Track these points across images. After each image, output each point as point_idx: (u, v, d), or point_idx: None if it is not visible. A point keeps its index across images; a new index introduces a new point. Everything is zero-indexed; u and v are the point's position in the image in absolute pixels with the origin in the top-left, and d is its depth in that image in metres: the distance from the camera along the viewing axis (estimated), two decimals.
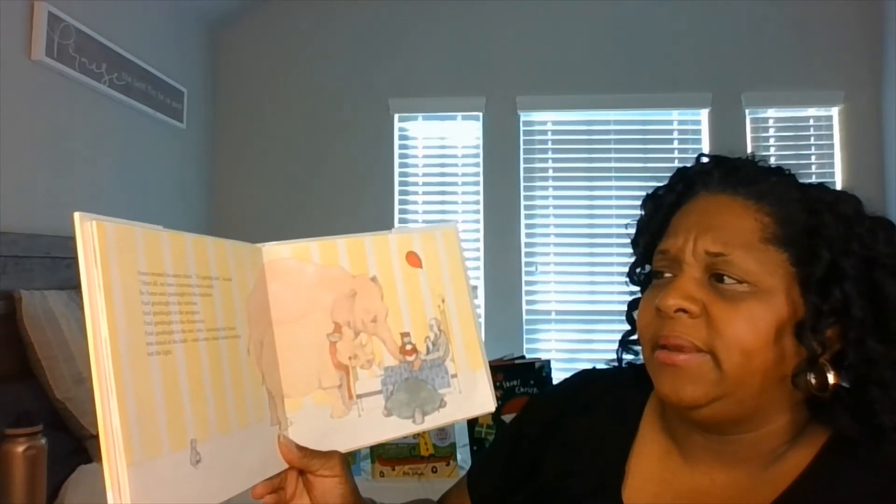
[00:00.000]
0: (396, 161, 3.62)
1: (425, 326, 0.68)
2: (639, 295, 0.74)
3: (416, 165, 3.68)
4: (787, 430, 0.63)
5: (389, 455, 1.94)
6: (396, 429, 0.67)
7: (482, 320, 3.47)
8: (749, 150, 3.38)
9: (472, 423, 2.02)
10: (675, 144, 3.63)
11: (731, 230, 0.62)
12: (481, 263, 3.54)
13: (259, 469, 0.59)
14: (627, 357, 0.76)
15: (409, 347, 0.67)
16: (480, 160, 3.59)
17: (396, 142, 3.62)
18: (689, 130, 3.60)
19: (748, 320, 0.59)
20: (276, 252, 0.65)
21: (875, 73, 3.40)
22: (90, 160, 2.61)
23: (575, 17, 3.56)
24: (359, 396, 0.66)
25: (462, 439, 2.05)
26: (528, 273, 3.57)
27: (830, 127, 3.49)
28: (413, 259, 0.69)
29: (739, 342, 0.59)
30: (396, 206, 3.60)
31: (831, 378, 0.59)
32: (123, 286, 0.48)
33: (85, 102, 2.56)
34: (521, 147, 3.60)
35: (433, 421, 0.68)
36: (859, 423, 0.59)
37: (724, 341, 0.59)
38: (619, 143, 3.60)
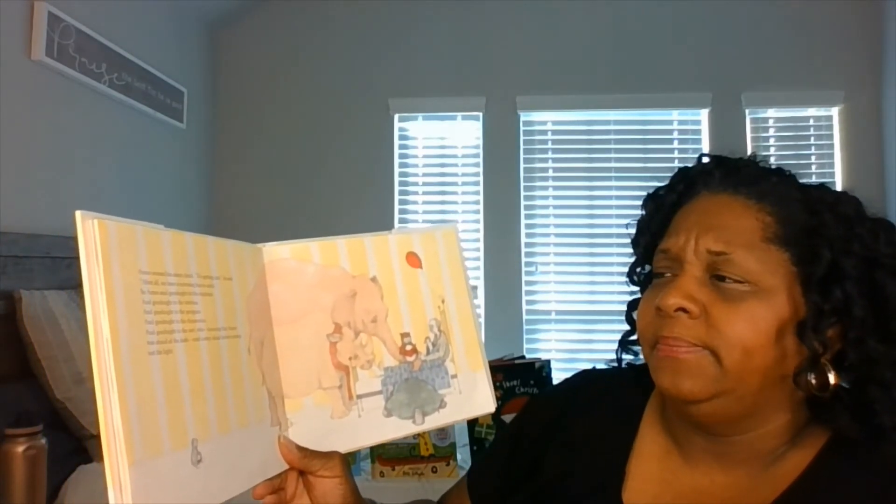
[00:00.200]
0: (396, 161, 3.62)
1: (425, 327, 0.68)
2: (639, 295, 0.74)
3: (416, 165, 3.68)
4: (787, 431, 0.63)
5: (389, 455, 1.94)
6: (396, 429, 0.66)
7: (482, 320, 3.47)
8: (749, 150, 3.39)
9: (472, 423, 2.02)
10: (675, 144, 3.63)
11: (732, 229, 0.63)
12: (481, 263, 3.54)
13: (259, 469, 0.59)
14: (627, 357, 0.76)
15: (409, 348, 0.67)
16: (480, 160, 3.59)
17: (396, 142, 3.62)
18: (689, 130, 3.60)
19: (749, 320, 0.59)
20: (277, 252, 0.65)
21: (875, 73, 3.40)
22: (90, 160, 2.61)
23: (575, 17, 3.56)
24: (359, 397, 0.66)
25: (462, 439, 2.05)
26: (528, 273, 3.57)
27: (830, 127, 3.49)
28: (413, 259, 0.69)
29: (740, 342, 0.59)
30: (396, 207, 3.60)
31: (832, 378, 0.59)
32: (125, 285, 0.48)
33: (85, 102, 2.56)
34: (521, 147, 3.60)
35: (433, 421, 0.68)
36: (859, 422, 0.59)
37: (725, 341, 0.59)
38: (619, 143, 3.60)
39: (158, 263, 0.51)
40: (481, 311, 3.49)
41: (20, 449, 1.45)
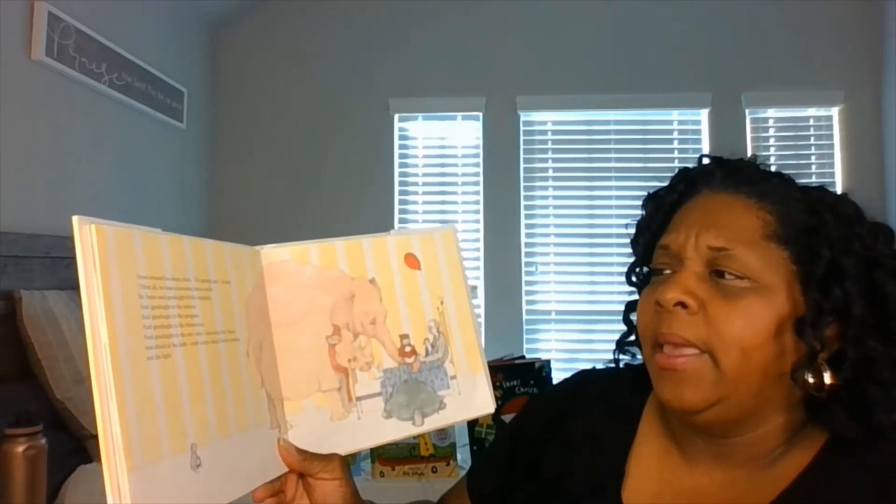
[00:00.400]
0: (396, 161, 3.62)
1: (424, 328, 0.68)
2: (636, 297, 0.74)
3: (416, 165, 3.68)
4: (785, 431, 0.63)
5: (389, 455, 1.94)
6: (396, 431, 0.66)
7: (482, 320, 3.47)
8: (749, 150, 3.40)
9: (473, 423, 2.02)
10: (675, 144, 3.63)
11: (733, 226, 0.63)
12: (481, 263, 3.54)
13: (259, 472, 0.59)
14: (623, 359, 0.76)
15: (408, 349, 0.67)
16: (480, 160, 3.59)
17: (396, 142, 3.62)
18: (689, 130, 3.60)
19: (747, 317, 0.59)
20: (275, 254, 0.65)
21: (875, 73, 3.40)
22: (90, 160, 2.61)
23: (575, 17, 3.56)
24: (358, 399, 0.65)
25: (462, 439, 2.06)
26: (528, 273, 3.57)
27: (830, 127, 3.49)
28: (412, 261, 0.69)
29: (737, 340, 0.59)
30: (396, 206, 3.60)
31: (828, 378, 0.59)
32: (123, 290, 0.48)
33: (85, 102, 2.56)
34: (521, 147, 3.60)
35: (433, 423, 0.68)
36: (857, 422, 0.59)
37: (722, 339, 0.59)
38: (619, 143, 3.61)
39: (156, 268, 0.51)
40: (481, 311, 3.50)
41: (20, 449, 1.44)
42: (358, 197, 3.56)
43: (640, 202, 0.76)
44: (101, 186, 2.68)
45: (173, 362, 0.51)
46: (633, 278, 0.76)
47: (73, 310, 2.07)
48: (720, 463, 0.64)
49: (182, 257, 0.54)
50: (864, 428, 0.59)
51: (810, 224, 0.63)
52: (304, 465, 0.63)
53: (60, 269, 2.23)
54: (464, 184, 3.64)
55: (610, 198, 3.60)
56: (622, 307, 0.77)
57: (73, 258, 0.46)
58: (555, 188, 3.63)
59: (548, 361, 2.16)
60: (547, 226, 3.63)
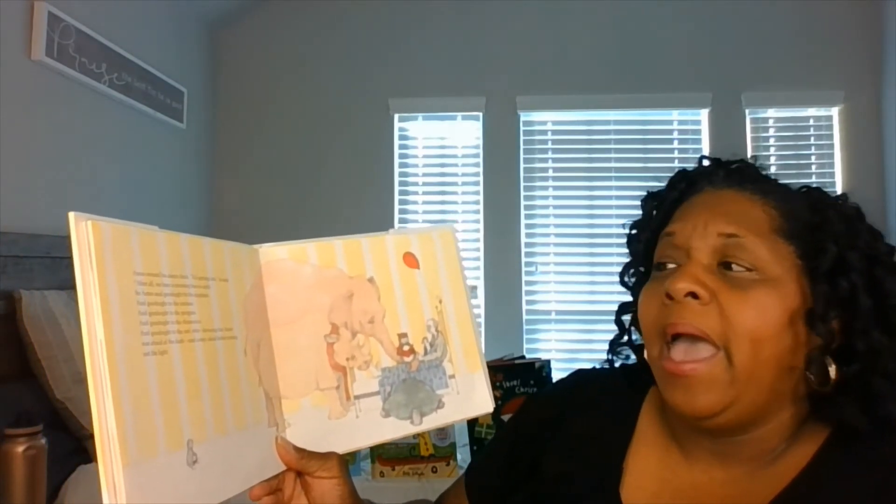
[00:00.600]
0: (396, 161, 3.62)
1: (423, 327, 0.68)
2: (629, 298, 0.74)
3: (416, 165, 3.68)
4: (789, 427, 0.63)
5: (389, 455, 1.94)
6: (394, 430, 0.66)
7: (482, 320, 3.47)
8: (749, 150, 3.40)
9: (472, 422, 2.02)
10: (675, 144, 3.63)
11: (742, 216, 0.63)
12: (481, 263, 3.54)
13: (257, 470, 0.59)
14: (617, 360, 0.76)
15: (406, 348, 0.67)
16: (480, 160, 3.59)
17: (396, 142, 3.62)
18: (689, 130, 3.60)
19: (758, 308, 0.59)
20: (274, 253, 0.65)
21: (875, 73, 3.40)
22: (90, 160, 2.61)
23: (575, 17, 3.56)
24: (356, 397, 0.65)
25: (462, 439, 2.06)
26: (528, 273, 3.57)
27: (830, 127, 3.49)
28: (410, 260, 0.69)
29: (749, 330, 0.59)
30: (396, 206, 3.60)
31: (832, 371, 0.60)
32: (119, 286, 0.47)
33: (85, 102, 2.56)
34: (521, 147, 3.60)
35: (431, 422, 0.67)
36: (864, 414, 0.59)
37: (735, 329, 0.59)
38: (619, 143, 3.61)
39: (153, 265, 0.51)
40: (481, 311, 3.50)
41: (20, 449, 1.44)
42: (358, 197, 3.56)
43: (640, 202, 0.76)
44: (101, 186, 2.68)
45: (170, 359, 0.50)
46: (627, 278, 0.75)
47: (72, 310, 2.07)
48: (721, 461, 0.64)
49: (179, 254, 0.54)
50: (871, 419, 0.59)
51: (814, 220, 0.63)
52: (302, 464, 0.63)
53: (60, 269, 2.24)
54: (464, 184, 3.64)
55: (610, 198, 3.60)
56: None
57: (70, 258, 0.46)
58: (555, 188, 3.63)
59: (548, 361, 2.16)
60: (547, 226, 3.63)
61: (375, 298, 0.67)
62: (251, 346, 0.60)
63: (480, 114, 3.58)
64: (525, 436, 0.78)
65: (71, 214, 0.46)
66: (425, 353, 0.68)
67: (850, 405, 0.60)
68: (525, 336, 3.52)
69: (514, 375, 2.08)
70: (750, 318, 0.59)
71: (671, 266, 0.65)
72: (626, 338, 0.74)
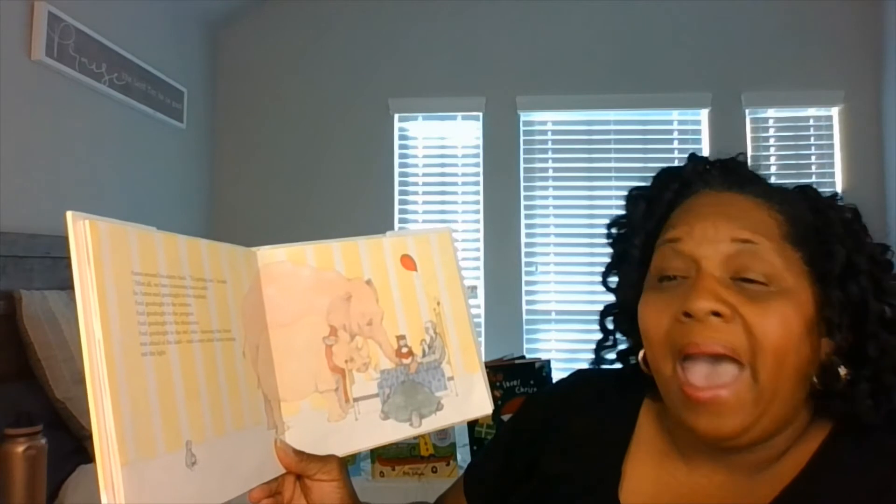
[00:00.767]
0: (396, 161, 3.62)
1: (421, 329, 0.68)
2: (612, 299, 0.73)
3: (416, 165, 3.68)
4: (795, 432, 0.62)
5: (389, 455, 1.94)
6: (394, 432, 0.66)
7: (482, 320, 3.47)
8: (749, 150, 3.39)
9: (472, 422, 2.02)
10: (675, 144, 3.63)
11: (752, 220, 0.61)
12: (481, 263, 3.54)
13: (256, 473, 0.59)
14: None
15: (405, 350, 0.67)
16: (480, 160, 3.59)
17: (396, 142, 3.62)
18: (689, 130, 3.60)
19: (781, 320, 0.57)
20: (272, 255, 0.65)
21: (875, 73, 3.40)
22: (90, 160, 2.61)
23: (575, 17, 3.56)
24: (355, 400, 0.65)
25: (462, 439, 2.06)
26: (528, 273, 3.57)
27: (830, 127, 3.49)
28: (408, 262, 0.69)
29: (775, 345, 0.57)
30: (396, 206, 3.60)
31: (843, 371, 0.60)
32: (117, 286, 0.47)
33: (85, 102, 2.56)
34: (521, 147, 3.60)
35: (430, 424, 0.67)
36: (875, 408, 0.60)
37: (761, 344, 0.57)
38: (619, 143, 3.61)
39: (151, 265, 0.51)
40: (481, 310, 3.50)
41: (20, 449, 1.44)
42: (358, 197, 3.56)
43: (624, 199, 0.73)
44: (102, 186, 2.68)
45: (168, 359, 0.50)
46: (609, 279, 0.73)
47: (72, 310, 2.06)
48: (723, 465, 0.64)
49: (177, 255, 0.54)
50: (881, 414, 0.59)
51: (817, 223, 0.62)
52: (302, 467, 0.63)
53: (60, 269, 2.24)
54: (464, 184, 3.64)
55: (610, 198, 3.60)
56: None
57: (67, 257, 0.46)
58: (555, 188, 3.62)
59: (548, 361, 2.16)
60: (547, 226, 3.62)
61: (373, 300, 0.67)
62: (250, 349, 0.60)
63: (480, 114, 3.58)
64: (524, 436, 0.78)
65: (69, 214, 0.46)
66: (424, 355, 0.68)
67: (862, 401, 0.59)
68: (525, 336, 3.52)
69: (514, 375, 2.08)
70: (775, 333, 0.57)
71: (678, 278, 0.62)
72: (610, 342, 0.73)
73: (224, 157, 3.67)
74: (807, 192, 0.66)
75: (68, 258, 0.46)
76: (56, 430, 1.80)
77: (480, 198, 3.58)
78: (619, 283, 0.73)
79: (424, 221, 3.66)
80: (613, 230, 0.74)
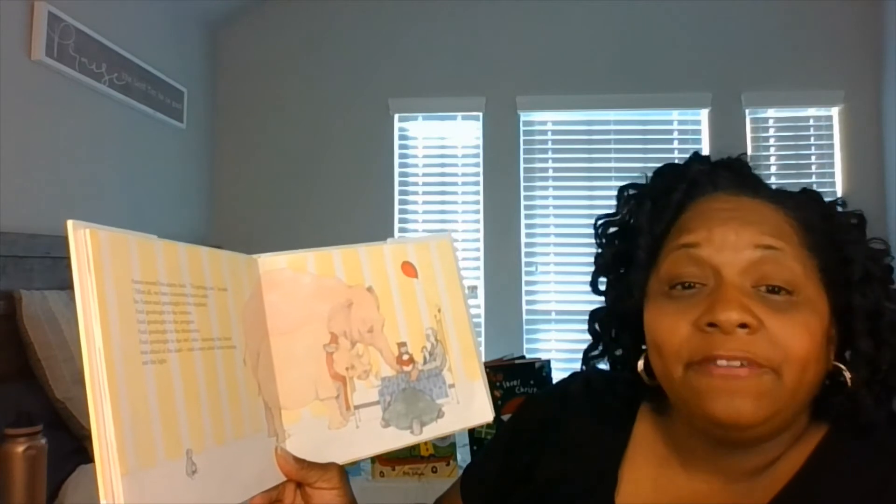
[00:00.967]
0: (396, 161, 3.62)
1: (422, 336, 0.68)
2: (602, 303, 0.71)
3: (416, 165, 3.68)
4: (794, 435, 0.62)
5: (389, 455, 1.94)
6: (395, 440, 0.66)
7: (482, 320, 3.47)
8: (749, 150, 3.39)
9: None
10: (675, 144, 3.63)
11: (772, 225, 0.59)
12: (481, 263, 3.54)
13: (256, 481, 0.59)
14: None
15: (406, 357, 0.67)
16: (480, 160, 3.59)
17: (396, 142, 3.62)
18: (689, 130, 3.60)
19: (807, 332, 0.56)
20: (272, 263, 0.65)
21: (875, 73, 3.40)
22: (90, 160, 2.61)
23: (575, 17, 3.56)
24: (356, 407, 0.65)
25: (462, 440, 2.06)
26: (528, 273, 3.58)
27: (830, 127, 3.49)
28: (408, 269, 0.69)
29: (801, 357, 0.56)
30: (396, 206, 3.60)
31: (848, 375, 0.60)
32: (117, 294, 0.47)
33: (85, 102, 2.56)
34: (521, 147, 3.60)
35: (431, 431, 0.67)
36: (879, 408, 0.60)
37: (788, 356, 0.56)
38: (619, 143, 3.61)
39: (151, 273, 0.51)
40: (481, 311, 3.50)
41: (20, 449, 1.44)
42: (358, 197, 3.56)
43: (621, 195, 0.72)
44: (102, 186, 2.68)
45: (168, 367, 0.50)
46: (601, 281, 0.71)
47: (73, 310, 2.06)
48: (723, 470, 0.63)
49: (177, 263, 0.54)
50: (885, 415, 0.60)
51: (827, 228, 0.62)
52: (302, 475, 0.62)
53: (60, 269, 2.24)
54: (464, 184, 3.64)
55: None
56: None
57: (68, 264, 0.46)
58: (555, 188, 3.63)
59: (548, 361, 2.16)
60: (547, 226, 3.63)
61: (374, 307, 0.67)
62: (250, 356, 0.60)
63: (480, 114, 3.58)
64: (521, 439, 0.78)
65: (69, 222, 0.46)
66: (424, 362, 0.67)
67: (865, 402, 0.59)
68: (525, 336, 3.52)
69: (514, 375, 2.08)
70: (801, 346, 0.56)
71: (696, 285, 0.60)
72: (600, 348, 0.72)
73: (224, 157, 3.67)
74: (813, 195, 0.65)
75: (68, 258, 0.46)
76: (56, 430, 1.80)
77: (480, 198, 3.58)
78: (615, 287, 0.71)
79: (424, 221, 3.66)
80: (611, 230, 0.72)
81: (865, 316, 0.59)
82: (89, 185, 2.60)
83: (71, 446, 1.89)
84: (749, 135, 3.51)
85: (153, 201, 3.05)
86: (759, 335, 0.56)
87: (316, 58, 3.63)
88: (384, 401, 0.66)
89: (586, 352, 0.73)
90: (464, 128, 3.65)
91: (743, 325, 0.56)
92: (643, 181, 0.71)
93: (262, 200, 3.60)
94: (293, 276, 0.65)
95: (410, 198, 3.65)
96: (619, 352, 0.71)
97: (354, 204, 3.54)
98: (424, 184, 3.69)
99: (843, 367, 0.60)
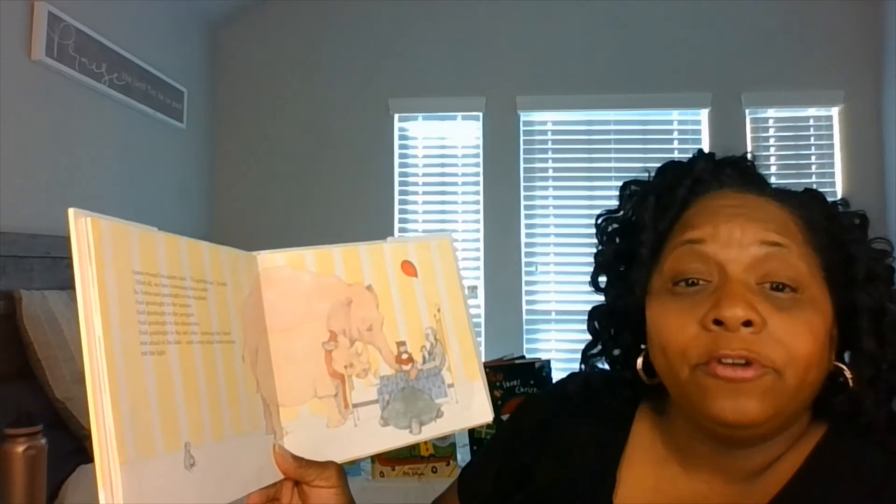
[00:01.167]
0: (396, 161, 3.62)
1: (421, 335, 0.67)
2: (601, 301, 0.71)
3: (416, 165, 3.68)
4: (793, 435, 0.62)
5: (389, 455, 1.94)
6: (393, 439, 0.65)
7: (482, 320, 3.47)
8: (749, 150, 3.39)
9: None
10: (675, 144, 3.63)
11: (778, 223, 0.59)
12: (481, 263, 3.54)
13: (254, 478, 0.58)
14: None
15: (405, 357, 0.66)
16: (480, 160, 3.59)
17: (396, 142, 3.62)
18: (689, 130, 3.60)
19: (811, 332, 0.56)
20: (272, 260, 0.65)
21: (875, 73, 3.40)
22: (90, 160, 2.61)
23: (575, 17, 3.56)
24: (355, 406, 0.64)
25: (462, 439, 2.06)
26: (528, 273, 3.58)
27: (830, 127, 3.49)
28: (408, 268, 0.69)
29: (805, 357, 0.56)
30: (396, 206, 3.60)
31: (849, 375, 0.59)
32: (117, 284, 0.47)
33: (85, 102, 2.56)
34: (521, 147, 3.60)
35: (430, 431, 0.66)
36: (879, 407, 0.60)
37: (791, 356, 0.55)
38: (619, 143, 3.61)
39: (151, 264, 0.51)
40: (481, 311, 3.50)
41: (20, 449, 1.44)
42: (358, 197, 3.56)
43: (623, 192, 0.71)
44: (102, 186, 2.68)
45: (167, 359, 0.50)
46: (601, 278, 0.70)
47: (73, 310, 2.07)
48: (723, 470, 0.63)
49: (178, 256, 0.54)
50: (886, 414, 0.59)
51: (830, 227, 0.62)
52: (300, 473, 0.62)
53: (60, 269, 2.24)
54: (464, 184, 3.64)
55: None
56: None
57: (72, 254, 0.46)
58: (555, 188, 3.63)
59: (548, 361, 2.16)
60: (547, 226, 3.63)
61: (374, 306, 0.67)
62: (249, 353, 0.60)
63: (480, 114, 3.58)
64: (519, 440, 0.77)
65: (70, 210, 0.46)
66: (424, 361, 0.67)
67: (866, 401, 0.59)
68: (525, 336, 3.52)
69: (514, 375, 2.08)
70: (805, 346, 0.55)
71: (700, 282, 0.59)
72: (599, 347, 0.71)
73: (224, 157, 3.67)
74: (816, 195, 0.65)
75: (68, 258, 0.46)
76: (56, 430, 1.80)
77: (480, 198, 3.58)
78: (615, 284, 0.70)
79: (424, 221, 3.66)
80: (612, 226, 0.72)
81: (870, 315, 0.59)
82: (89, 185, 2.60)
83: (71, 446, 1.89)
84: (749, 135, 3.51)
85: (153, 201, 3.06)
86: (762, 335, 0.55)
87: (316, 58, 3.63)
88: (383, 400, 0.65)
89: (585, 350, 0.73)
90: (464, 128, 3.65)
91: (747, 324, 0.55)
92: (646, 178, 0.70)
93: (262, 200, 3.60)
94: (292, 274, 0.65)
95: (410, 198, 3.65)
96: (617, 351, 0.71)
97: (354, 204, 3.54)
98: (424, 184, 3.69)
99: (843, 367, 0.60)
